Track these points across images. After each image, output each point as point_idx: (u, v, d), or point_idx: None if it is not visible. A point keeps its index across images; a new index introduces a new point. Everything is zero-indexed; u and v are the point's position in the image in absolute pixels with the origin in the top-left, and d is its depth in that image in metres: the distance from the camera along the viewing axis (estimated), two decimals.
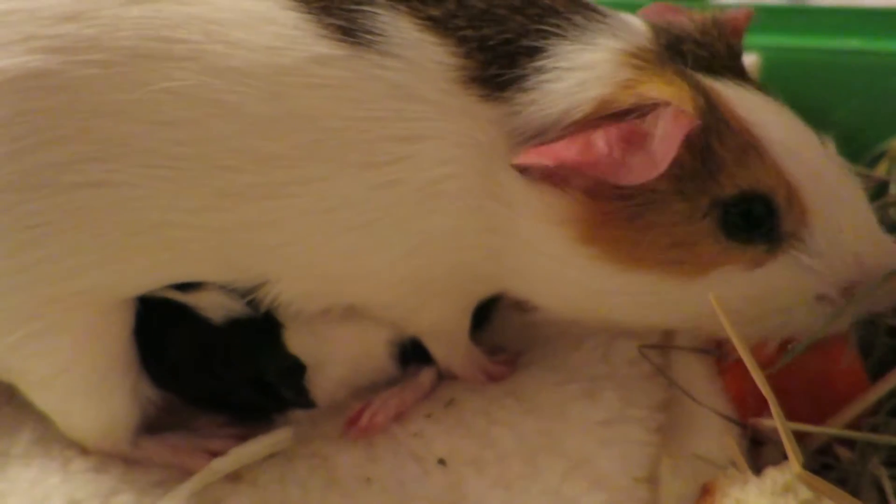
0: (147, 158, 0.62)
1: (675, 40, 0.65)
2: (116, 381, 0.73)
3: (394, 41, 0.62)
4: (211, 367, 0.75)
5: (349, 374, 0.79)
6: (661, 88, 0.60)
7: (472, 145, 0.63)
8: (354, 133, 0.62)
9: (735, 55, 0.69)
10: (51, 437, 0.76)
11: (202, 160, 0.62)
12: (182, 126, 0.62)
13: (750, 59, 1.03)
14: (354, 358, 0.79)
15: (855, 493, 0.63)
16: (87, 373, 0.71)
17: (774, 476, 0.60)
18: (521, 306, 0.86)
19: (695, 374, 0.75)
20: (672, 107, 0.58)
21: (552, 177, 0.62)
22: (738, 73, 0.67)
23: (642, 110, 0.59)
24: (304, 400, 0.77)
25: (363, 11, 0.62)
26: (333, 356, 0.77)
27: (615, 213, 0.62)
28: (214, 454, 0.73)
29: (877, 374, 0.72)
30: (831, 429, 0.67)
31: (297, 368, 0.75)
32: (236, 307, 0.73)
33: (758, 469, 0.62)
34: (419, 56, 0.62)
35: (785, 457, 0.58)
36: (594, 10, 0.66)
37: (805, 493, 0.58)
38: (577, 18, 0.64)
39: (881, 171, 0.96)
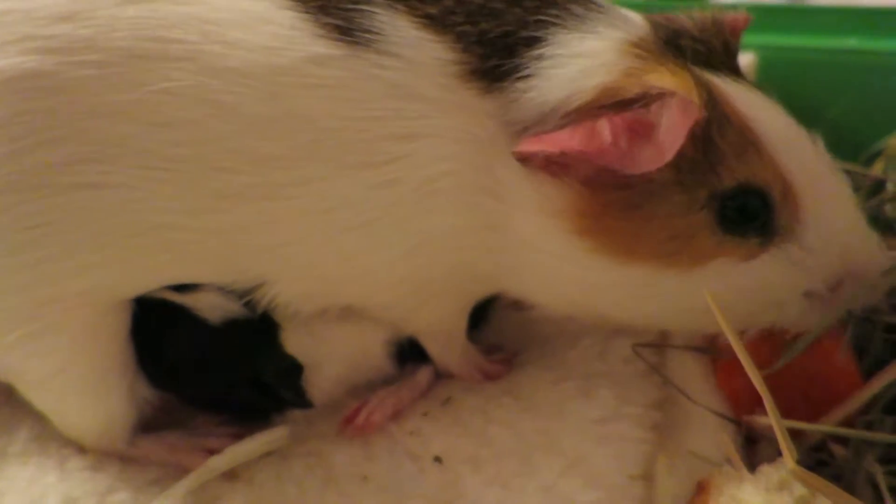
0: (144, 159, 0.62)
1: (672, 35, 0.65)
2: (113, 382, 0.73)
3: (392, 40, 0.62)
4: (208, 367, 0.75)
5: (347, 373, 0.80)
6: (666, 78, 0.60)
7: (470, 141, 0.62)
8: (352, 133, 0.62)
9: (732, 53, 0.69)
10: (48, 436, 0.76)
11: (200, 161, 0.62)
12: (179, 127, 0.61)
13: (747, 59, 1.03)
14: (352, 357, 0.79)
15: (850, 489, 0.63)
16: (84, 373, 0.72)
17: (769, 473, 0.60)
18: (518, 305, 0.86)
19: (690, 372, 0.76)
20: (678, 97, 0.58)
21: (551, 166, 0.61)
22: (734, 70, 0.68)
23: (646, 100, 0.59)
24: (301, 400, 0.77)
25: (361, 10, 0.62)
26: (331, 356, 0.77)
27: (613, 203, 0.62)
28: (211, 452, 0.74)
29: (873, 371, 0.72)
30: (825, 426, 0.67)
31: (294, 369, 0.75)
32: (233, 308, 0.73)
33: (753, 466, 0.62)
34: (417, 54, 0.62)
35: (780, 454, 0.58)
36: (592, 0, 0.66)
37: (799, 489, 0.58)
38: (576, 8, 0.64)
39: (877, 169, 0.96)
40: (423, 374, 0.80)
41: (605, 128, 0.58)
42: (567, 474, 0.68)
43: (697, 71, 0.63)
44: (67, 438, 0.76)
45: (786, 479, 0.59)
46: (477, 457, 0.71)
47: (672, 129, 0.57)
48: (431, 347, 0.79)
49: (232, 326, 0.73)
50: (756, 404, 0.65)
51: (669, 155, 0.57)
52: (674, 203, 0.62)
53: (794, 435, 0.68)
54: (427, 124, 0.62)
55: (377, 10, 0.62)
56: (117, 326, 0.72)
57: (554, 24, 0.63)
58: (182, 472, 0.73)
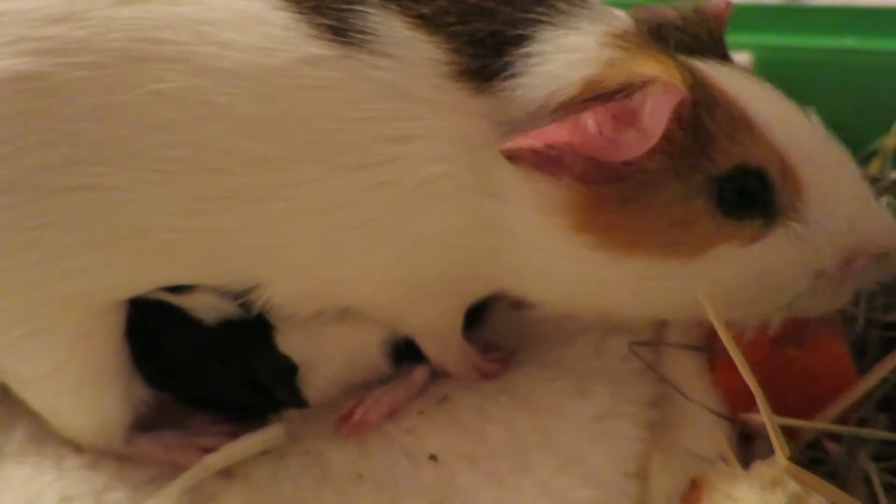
0: (138, 161, 0.62)
1: (657, 27, 0.65)
2: (108, 382, 0.73)
3: (385, 40, 0.61)
4: (204, 368, 0.76)
5: (343, 373, 0.80)
6: (648, 65, 0.60)
7: (463, 141, 0.62)
8: (347, 134, 0.62)
9: (718, 39, 0.68)
10: (45, 435, 0.77)
11: (194, 162, 0.62)
12: (173, 128, 0.61)
13: (743, 58, 1.03)
14: (348, 357, 0.79)
15: (843, 486, 0.63)
16: (79, 373, 0.72)
17: (763, 470, 0.60)
18: (514, 303, 0.86)
19: (685, 370, 0.76)
20: (661, 81, 0.58)
21: (543, 164, 0.61)
22: (721, 55, 0.67)
23: (630, 89, 0.59)
24: (297, 400, 0.77)
25: (354, 11, 0.62)
26: (327, 356, 0.77)
27: (609, 197, 0.61)
28: (207, 451, 0.74)
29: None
30: (818, 423, 0.67)
31: (288, 369, 0.75)
32: (229, 309, 0.73)
33: (748, 464, 0.62)
34: (410, 54, 0.61)
35: (774, 451, 0.58)
36: None
37: (793, 486, 0.58)
38: (561, 4, 0.64)
39: (874, 168, 0.96)
40: (420, 373, 0.80)
41: (589, 118, 0.57)
42: (562, 472, 0.68)
43: (682, 57, 0.63)
44: (64, 437, 0.76)
45: (779, 476, 0.59)
46: (472, 455, 0.72)
47: (655, 112, 0.57)
48: (428, 347, 0.79)
49: (227, 327, 0.73)
50: (752, 402, 0.64)
51: (654, 138, 0.57)
52: (670, 192, 0.61)
53: (790, 432, 0.68)
54: (420, 125, 0.62)
55: (371, 10, 0.62)
56: (112, 327, 0.72)
57: (541, 22, 0.63)
58: (178, 470, 0.73)
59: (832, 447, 0.68)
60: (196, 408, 0.81)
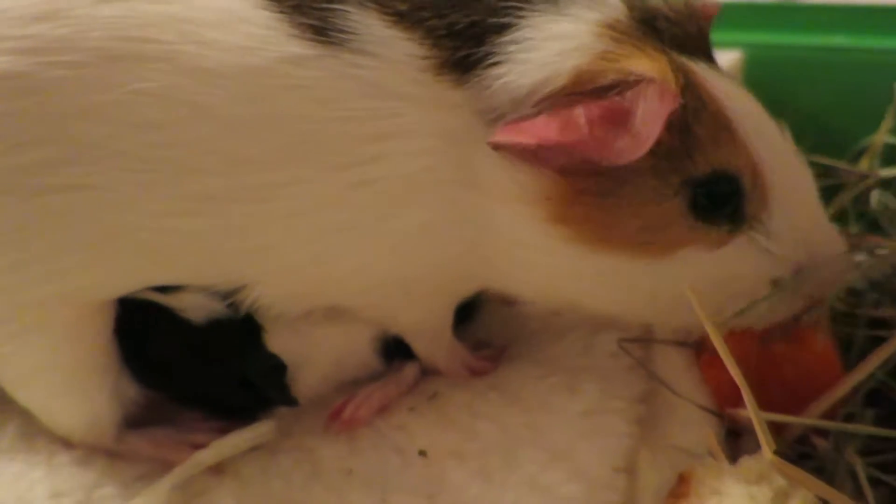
0: (121, 161, 0.61)
1: (648, 16, 0.65)
2: (98, 381, 0.73)
3: (365, 39, 0.61)
4: (193, 367, 0.75)
5: (333, 371, 0.80)
6: (644, 63, 0.59)
7: (445, 134, 0.62)
8: (329, 134, 0.61)
9: (706, 39, 0.68)
10: (35, 432, 0.76)
11: (177, 163, 0.62)
12: (155, 128, 0.61)
13: (734, 56, 1.04)
14: (339, 355, 0.79)
15: (830, 481, 0.64)
16: (67, 372, 0.72)
17: (749, 464, 0.61)
18: (505, 301, 0.87)
19: (674, 366, 0.76)
20: (656, 83, 0.57)
21: (527, 154, 0.61)
22: (708, 56, 0.68)
23: (623, 86, 0.58)
24: (286, 398, 0.77)
25: (334, 10, 0.61)
26: (318, 354, 0.77)
27: (587, 189, 0.61)
28: (197, 447, 0.73)
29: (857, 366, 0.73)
30: (804, 418, 0.67)
31: (278, 368, 0.75)
32: (217, 308, 0.72)
33: (735, 459, 0.62)
34: (390, 52, 0.61)
35: (761, 446, 0.59)
36: None
37: (779, 480, 0.59)
38: None
39: (863, 166, 0.96)
40: (410, 370, 0.80)
41: (581, 117, 0.57)
42: (551, 467, 0.68)
43: (674, 55, 0.63)
44: (55, 434, 0.76)
45: (766, 471, 0.60)
46: (462, 451, 0.72)
47: (650, 118, 0.57)
48: (418, 345, 0.79)
49: (216, 326, 0.73)
50: (740, 397, 0.65)
51: (647, 145, 0.57)
52: (647, 189, 0.62)
53: (778, 428, 0.68)
54: (402, 122, 0.61)
55: (350, 8, 0.61)
56: (100, 326, 0.72)
57: (526, 9, 0.62)
58: (168, 466, 0.72)
59: (819, 442, 0.68)
60: (186, 406, 0.81)
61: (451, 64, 0.61)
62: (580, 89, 0.59)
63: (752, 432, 0.65)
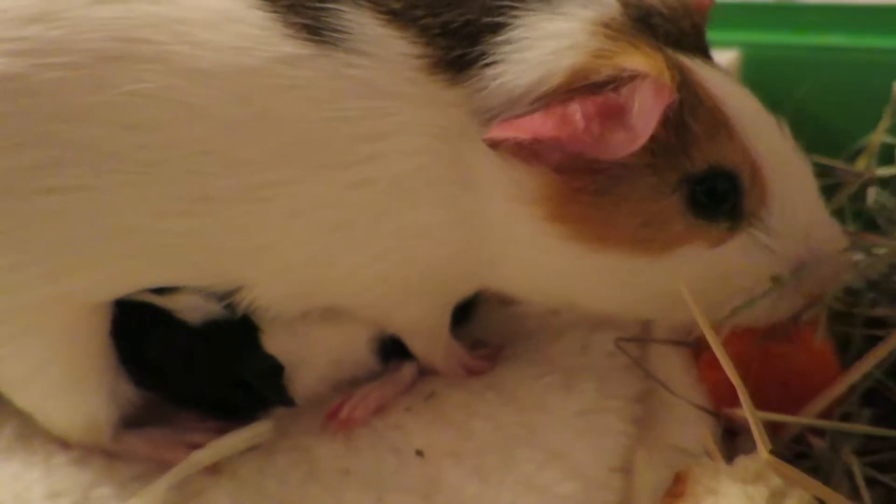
0: (117, 163, 0.61)
1: (643, 13, 0.65)
2: (94, 382, 0.73)
3: (359, 38, 0.61)
4: (190, 369, 0.75)
5: (331, 371, 0.80)
6: (639, 60, 0.59)
7: (440, 133, 0.62)
8: (325, 134, 0.61)
9: (700, 34, 0.68)
10: (32, 432, 0.77)
11: (171, 164, 0.61)
12: (150, 129, 0.60)
13: (731, 56, 1.04)
14: (336, 355, 0.79)
15: (827, 480, 0.64)
16: (64, 374, 0.72)
17: (746, 464, 0.61)
18: (502, 300, 0.87)
19: (671, 365, 0.76)
20: (651, 79, 0.57)
21: (523, 152, 0.61)
22: (703, 52, 0.68)
23: (618, 82, 0.58)
24: (284, 399, 0.77)
25: (327, 9, 0.61)
26: (314, 355, 0.77)
27: (583, 188, 0.61)
28: (194, 447, 0.73)
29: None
30: (800, 418, 0.67)
31: (275, 370, 0.75)
32: (214, 309, 0.72)
33: (732, 458, 0.63)
34: (384, 51, 0.61)
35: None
36: None
37: (775, 480, 0.59)
38: None
39: (861, 165, 0.96)
40: (407, 370, 0.80)
41: (577, 112, 0.57)
42: (546, 466, 0.68)
43: (670, 52, 0.63)
44: (52, 435, 0.76)
45: (762, 471, 0.60)
46: (458, 450, 0.72)
47: (645, 113, 0.57)
48: (415, 345, 0.79)
49: (212, 328, 0.73)
50: (737, 397, 0.65)
51: (643, 139, 0.57)
52: (645, 186, 0.62)
53: (775, 427, 0.68)
54: (397, 121, 0.61)
55: (343, 7, 0.61)
56: (95, 328, 0.71)
57: (520, 8, 0.62)
58: (165, 466, 0.72)
59: (816, 442, 0.68)
60: (183, 407, 0.81)
61: (446, 63, 0.61)
62: (575, 86, 0.59)
63: (749, 431, 0.65)
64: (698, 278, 0.64)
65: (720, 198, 0.63)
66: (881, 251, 0.72)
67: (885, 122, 0.95)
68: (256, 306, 0.70)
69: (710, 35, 0.70)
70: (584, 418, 0.72)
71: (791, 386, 0.72)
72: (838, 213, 0.91)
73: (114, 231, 0.64)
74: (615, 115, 0.57)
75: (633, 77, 0.58)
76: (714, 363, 0.70)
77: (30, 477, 0.73)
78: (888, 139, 0.96)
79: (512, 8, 0.62)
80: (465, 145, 0.62)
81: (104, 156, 0.61)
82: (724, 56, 1.02)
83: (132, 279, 0.69)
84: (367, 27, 0.61)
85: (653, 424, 0.73)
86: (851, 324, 0.77)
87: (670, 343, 0.77)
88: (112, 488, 0.72)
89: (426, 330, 0.78)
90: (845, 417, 0.69)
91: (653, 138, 0.58)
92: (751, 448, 0.65)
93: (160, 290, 0.72)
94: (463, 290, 0.76)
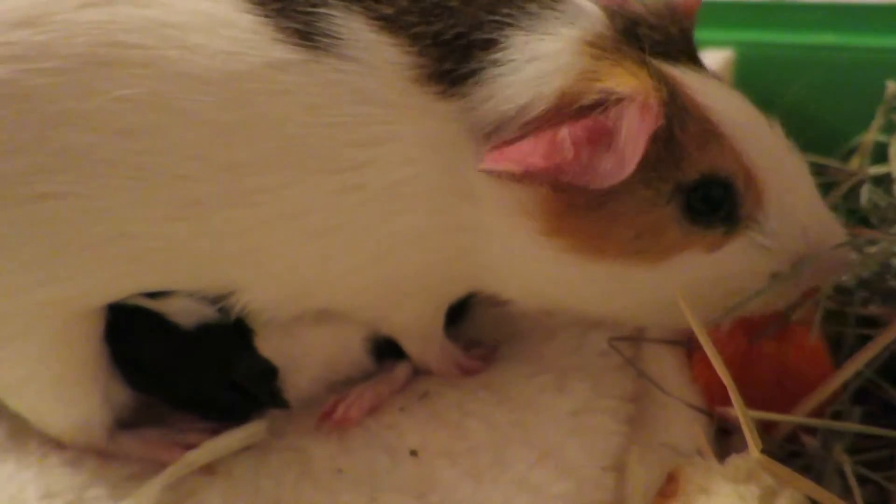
0: (106, 168, 0.61)
1: (630, 24, 0.65)
2: (87, 386, 0.73)
3: (350, 44, 0.60)
4: (184, 372, 0.75)
5: (325, 372, 0.80)
6: (624, 81, 0.59)
7: (433, 144, 0.62)
8: (316, 139, 0.61)
9: (688, 38, 0.68)
10: (27, 433, 0.77)
11: (162, 169, 0.61)
12: (140, 135, 0.60)
13: (725, 55, 1.04)
14: (330, 356, 0.79)
15: (819, 479, 0.64)
16: (57, 378, 0.72)
17: (737, 463, 0.61)
18: (497, 300, 0.87)
19: (664, 364, 0.76)
20: (637, 102, 0.57)
21: (517, 176, 0.60)
22: (692, 56, 0.68)
23: (605, 105, 0.58)
24: (278, 401, 0.77)
25: (319, 14, 0.60)
26: (309, 356, 0.77)
27: (578, 202, 0.62)
28: (188, 447, 0.74)
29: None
30: (792, 417, 0.67)
31: (269, 372, 0.75)
32: (207, 313, 0.72)
33: (725, 457, 0.63)
34: (375, 58, 0.61)
35: None
36: None
37: (767, 479, 0.59)
38: (531, 6, 0.63)
39: (854, 164, 0.97)
40: (401, 370, 0.81)
41: (566, 140, 0.57)
42: (539, 466, 0.68)
43: (656, 64, 0.62)
44: (46, 435, 0.76)
45: (754, 470, 0.60)
46: (452, 450, 0.72)
47: (632, 139, 0.57)
48: (409, 346, 0.79)
49: (206, 331, 0.73)
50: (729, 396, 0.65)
51: (631, 167, 0.57)
52: (639, 199, 0.62)
53: (767, 426, 0.68)
54: (389, 129, 0.61)
55: (334, 12, 0.61)
56: (88, 333, 0.71)
57: (509, 25, 0.62)
58: (160, 467, 0.73)
59: (808, 440, 0.68)
60: (178, 408, 0.81)
61: (438, 76, 0.61)
62: (564, 110, 0.59)
63: (742, 430, 0.66)
64: (697, 283, 0.64)
65: (715, 204, 0.63)
66: (873, 250, 0.72)
67: (878, 121, 0.96)
68: (250, 310, 0.70)
69: (704, 34, 0.70)
70: (577, 418, 0.72)
71: (784, 385, 0.72)
72: (832, 212, 0.91)
73: (106, 236, 0.63)
74: (603, 141, 0.57)
75: (620, 99, 0.58)
76: (707, 362, 0.71)
77: (24, 477, 0.73)
78: (881, 138, 0.96)
79: (502, 24, 0.62)
80: (459, 158, 0.62)
81: (95, 161, 0.60)
82: (718, 56, 1.02)
83: (125, 284, 0.68)
84: (358, 33, 0.61)
85: (646, 423, 0.73)
86: (844, 322, 0.77)
87: (663, 342, 0.78)
88: (106, 489, 0.72)
89: (420, 330, 0.78)
90: (837, 416, 0.69)
91: (644, 154, 0.58)
92: (744, 447, 0.65)
93: (153, 294, 0.72)
94: (456, 292, 0.76)
